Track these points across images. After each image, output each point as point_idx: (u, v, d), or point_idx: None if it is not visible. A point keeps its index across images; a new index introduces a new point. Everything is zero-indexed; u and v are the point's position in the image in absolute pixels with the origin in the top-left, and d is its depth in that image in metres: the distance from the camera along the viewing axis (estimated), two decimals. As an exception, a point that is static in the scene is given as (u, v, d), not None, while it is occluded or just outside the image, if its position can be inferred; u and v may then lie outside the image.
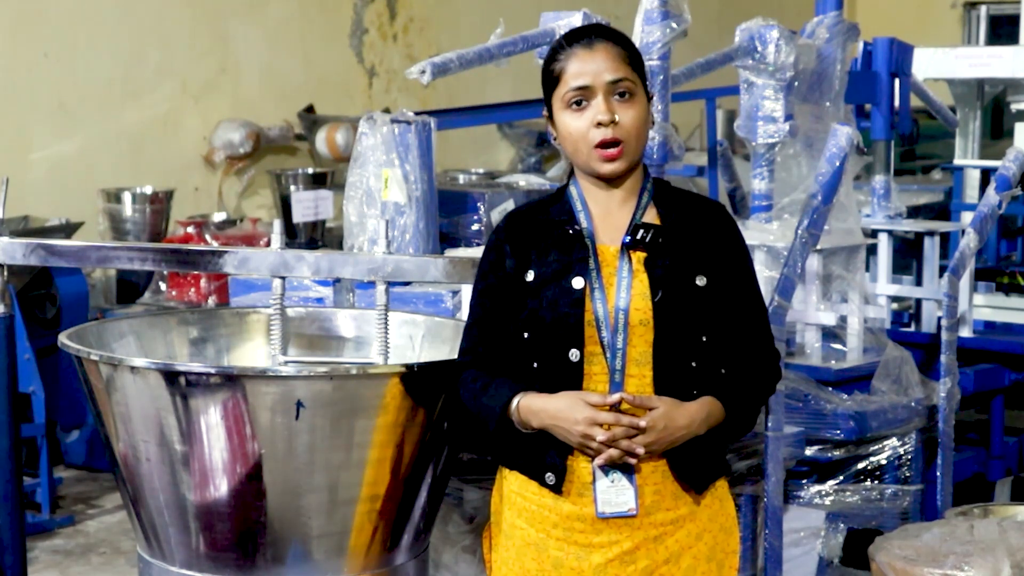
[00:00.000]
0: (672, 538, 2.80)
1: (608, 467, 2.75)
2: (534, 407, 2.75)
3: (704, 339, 2.78)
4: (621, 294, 2.75)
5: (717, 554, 2.86)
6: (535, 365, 2.80)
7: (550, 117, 2.85)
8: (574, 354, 2.75)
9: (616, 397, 2.71)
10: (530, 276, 2.81)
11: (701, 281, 2.78)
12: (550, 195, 2.92)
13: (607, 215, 2.83)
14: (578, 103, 2.77)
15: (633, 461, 2.72)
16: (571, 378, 2.76)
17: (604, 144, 2.75)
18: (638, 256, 2.78)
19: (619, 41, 2.80)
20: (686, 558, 2.81)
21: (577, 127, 2.77)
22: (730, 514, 2.91)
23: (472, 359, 2.90)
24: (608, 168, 2.77)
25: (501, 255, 2.85)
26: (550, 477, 2.78)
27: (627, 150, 2.76)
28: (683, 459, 2.78)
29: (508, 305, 2.84)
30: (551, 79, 2.82)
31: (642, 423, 2.69)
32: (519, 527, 2.85)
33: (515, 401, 2.77)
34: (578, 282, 2.76)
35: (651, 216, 2.83)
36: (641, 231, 2.78)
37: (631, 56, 2.79)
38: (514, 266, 2.83)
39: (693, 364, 2.77)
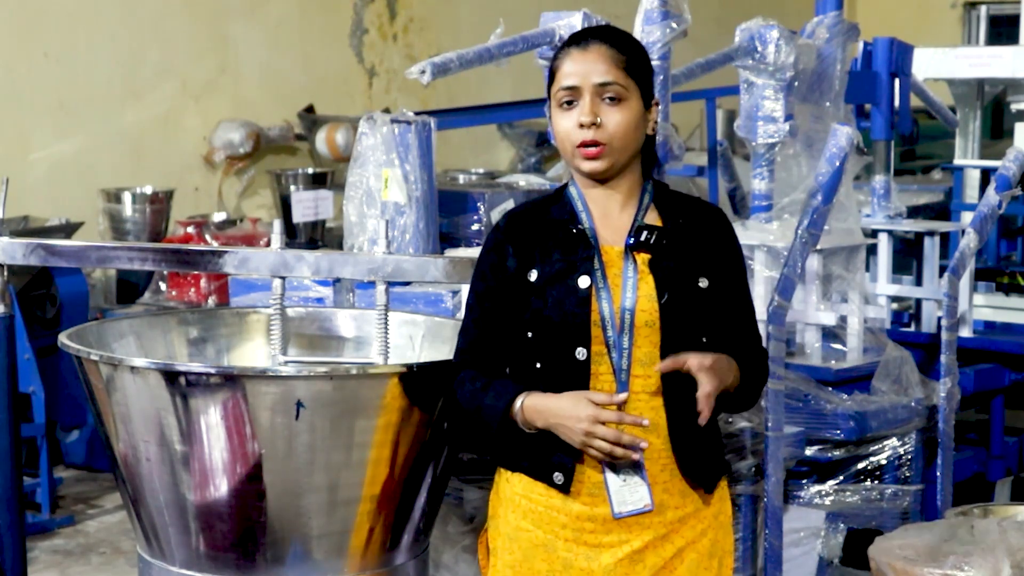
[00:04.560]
0: (678, 535, 2.82)
1: (618, 466, 2.76)
2: (539, 406, 2.75)
3: (704, 340, 2.79)
4: (627, 294, 2.76)
5: (718, 551, 2.88)
6: (538, 365, 2.80)
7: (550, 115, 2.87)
8: (581, 353, 2.76)
9: (623, 396, 2.72)
10: (533, 276, 2.81)
11: (703, 283, 2.79)
12: (548, 195, 2.93)
13: (607, 216, 2.84)
14: (568, 103, 2.79)
15: (636, 456, 2.72)
16: (578, 377, 2.77)
17: (584, 144, 2.77)
18: (642, 257, 2.79)
19: (617, 44, 2.80)
20: (690, 553, 2.83)
21: (563, 126, 2.79)
22: (728, 513, 2.94)
23: (470, 359, 2.89)
24: (587, 167, 2.79)
25: (503, 255, 2.85)
26: (558, 477, 2.78)
27: (609, 152, 2.77)
28: (692, 458, 2.80)
29: (509, 306, 2.84)
30: (551, 77, 2.85)
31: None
32: (525, 529, 2.84)
33: (519, 401, 2.77)
34: (584, 281, 2.77)
35: (652, 218, 2.85)
36: (645, 232, 2.79)
37: (628, 60, 2.79)
38: (516, 266, 2.83)
39: None
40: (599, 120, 2.75)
